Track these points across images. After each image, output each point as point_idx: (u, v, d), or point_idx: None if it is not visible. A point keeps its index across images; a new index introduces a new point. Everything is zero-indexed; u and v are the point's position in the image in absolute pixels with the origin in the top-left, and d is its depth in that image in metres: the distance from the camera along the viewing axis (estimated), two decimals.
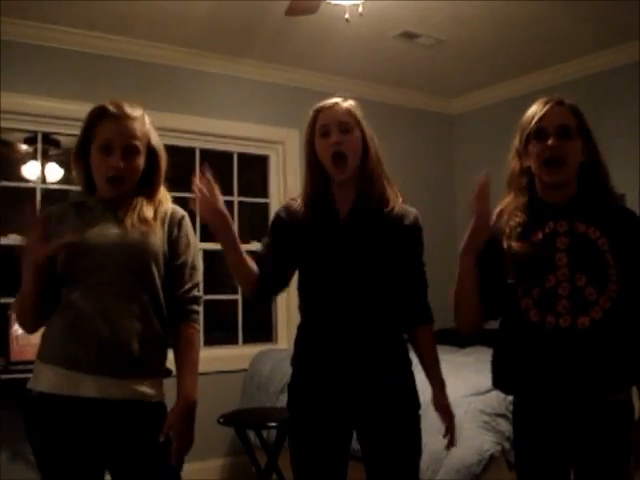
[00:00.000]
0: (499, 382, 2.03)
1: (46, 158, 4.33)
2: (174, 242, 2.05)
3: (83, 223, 1.99)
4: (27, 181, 4.24)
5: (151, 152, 2.06)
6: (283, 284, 2.20)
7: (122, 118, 1.99)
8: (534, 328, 1.88)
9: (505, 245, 1.95)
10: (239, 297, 4.86)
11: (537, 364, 1.89)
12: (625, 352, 1.87)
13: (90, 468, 1.96)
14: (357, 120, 2.09)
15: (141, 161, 2.03)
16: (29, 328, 2.07)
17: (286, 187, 4.91)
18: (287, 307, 4.83)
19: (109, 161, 1.97)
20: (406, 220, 2.11)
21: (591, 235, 1.89)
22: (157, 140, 2.08)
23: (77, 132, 2.06)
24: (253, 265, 2.08)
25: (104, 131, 1.98)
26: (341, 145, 2.04)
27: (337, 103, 2.11)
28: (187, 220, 2.11)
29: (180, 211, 2.11)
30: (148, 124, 2.06)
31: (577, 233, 1.90)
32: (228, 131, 4.73)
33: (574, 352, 1.84)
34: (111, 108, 1.99)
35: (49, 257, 1.92)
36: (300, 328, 2.17)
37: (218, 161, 4.77)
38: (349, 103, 2.12)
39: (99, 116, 2.00)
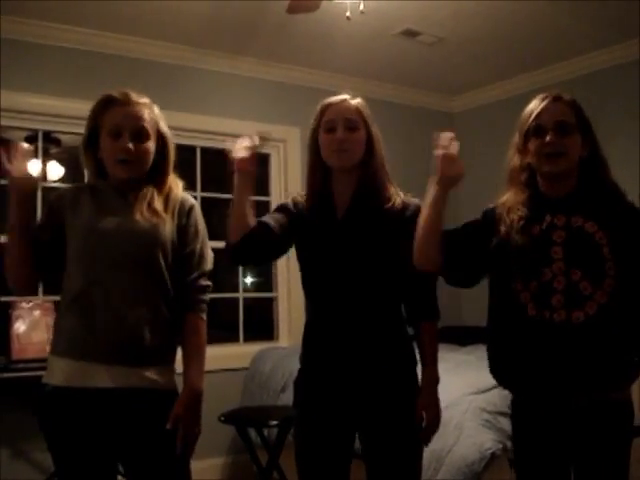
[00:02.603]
0: (496, 373, 2.02)
1: (47, 156, 4.33)
2: (182, 231, 2.05)
3: (96, 208, 2.00)
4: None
5: (161, 139, 2.07)
6: (272, 257, 2.20)
7: (129, 103, 2.02)
8: (530, 322, 1.88)
9: (503, 231, 1.93)
10: (240, 295, 4.87)
11: (532, 358, 1.88)
12: (620, 349, 1.86)
13: (104, 459, 1.96)
14: (364, 119, 2.09)
15: (151, 145, 2.03)
16: (16, 279, 2.02)
17: (287, 185, 4.91)
18: (288, 305, 4.83)
19: (118, 144, 1.98)
20: (407, 211, 2.10)
21: (588, 229, 1.88)
22: (166, 127, 2.10)
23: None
24: (252, 220, 2.04)
25: (112, 117, 2.00)
26: (345, 143, 2.04)
27: (345, 100, 2.10)
28: (197, 209, 2.11)
29: (190, 200, 2.11)
30: (156, 110, 2.08)
31: (574, 227, 1.89)
32: (229, 129, 4.69)
33: (568, 347, 1.84)
34: (117, 95, 2.02)
35: (33, 188, 1.97)
36: (306, 326, 2.16)
37: (219, 159, 4.76)
38: (357, 101, 2.11)
39: (106, 104, 2.02)
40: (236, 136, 1.86)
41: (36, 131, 4.19)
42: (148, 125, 2.02)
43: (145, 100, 2.06)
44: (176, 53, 4.51)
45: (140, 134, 2.00)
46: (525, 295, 1.89)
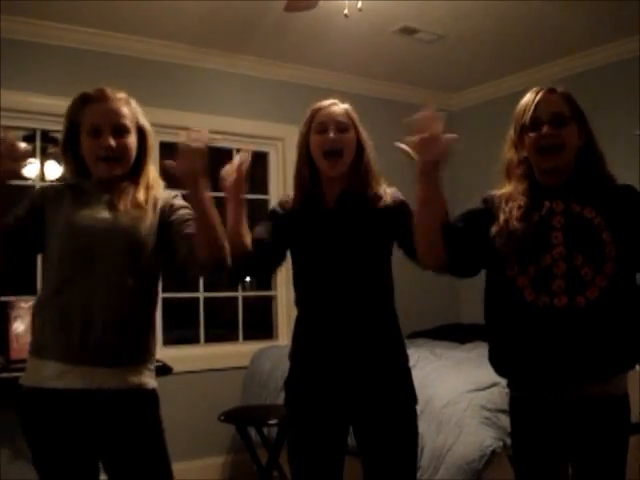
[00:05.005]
0: (495, 362, 2.01)
1: (45, 155, 4.32)
2: (169, 212, 2.03)
3: (76, 205, 1.99)
4: (26, 179, 4.24)
5: (140, 132, 2.06)
6: (273, 269, 2.23)
7: (106, 100, 2.00)
8: (528, 307, 1.87)
9: (502, 220, 1.92)
10: (239, 294, 4.87)
11: (532, 344, 1.88)
12: (623, 332, 1.86)
13: (85, 460, 1.95)
14: (353, 122, 2.16)
15: (132, 140, 2.02)
16: None
17: (285, 183, 4.89)
18: (287, 303, 4.82)
19: (100, 142, 1.97)
20: (389, 198, 2.13)
21: (586, 214, 1.89)
22: (145, 121, 2.08)
23: None
24: (249, 239, 2.08)
25: (90, 116, 1.99)
26: (337, 143, 2.09)
27: (335, 103, 2.18)
28: (179, 197, 2.10)
29: (172, 192, 2.11)
30: (134, 104, 2.07)
31: (573, 213, 1.90)
32: (227, 128, 4.71)
33: (569, 332, 1.83)
34: (93, 92, 2.02)
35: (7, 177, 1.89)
36: (297, 322, 2.18)
37: (217, 158, 4.76)
38: (345, 106, 2.19)
39: (82, 102, 2.02)
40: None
41: (34, 130, 4.19)
42: (127, 120, 2.01)
43: (122, 95, 2.05)
44: (174, 52, 4.51)
45: (120, 130, 1.99)
46: (522, 280, 1.89)
